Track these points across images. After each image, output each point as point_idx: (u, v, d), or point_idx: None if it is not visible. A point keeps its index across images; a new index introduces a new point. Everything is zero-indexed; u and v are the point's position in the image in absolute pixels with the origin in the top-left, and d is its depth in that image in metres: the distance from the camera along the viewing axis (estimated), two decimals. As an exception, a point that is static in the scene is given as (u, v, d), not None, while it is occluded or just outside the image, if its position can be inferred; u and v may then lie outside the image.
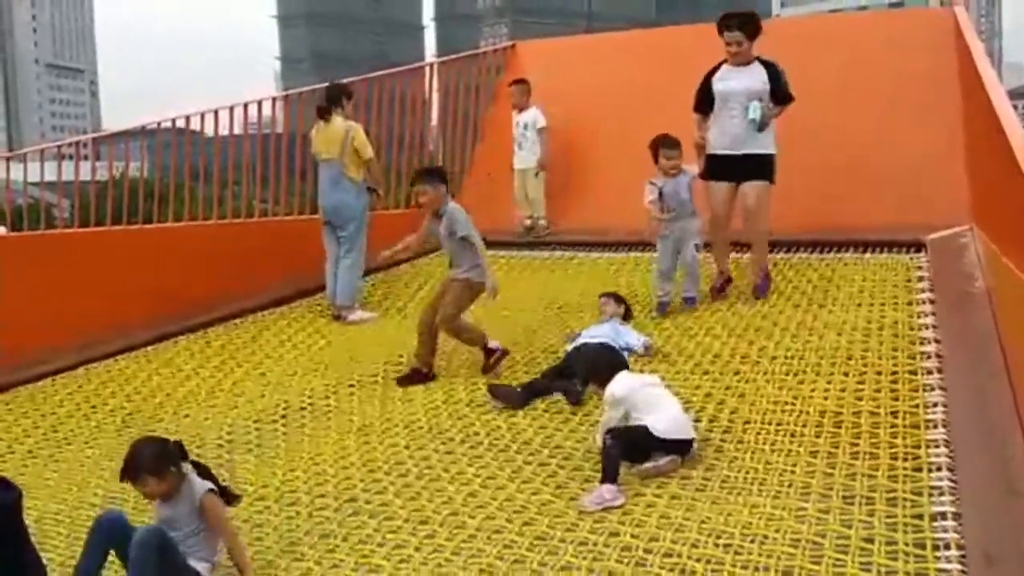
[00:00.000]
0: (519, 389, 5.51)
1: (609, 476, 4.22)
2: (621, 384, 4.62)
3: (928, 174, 8.04)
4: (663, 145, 6.73)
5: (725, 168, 6.76)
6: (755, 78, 6.67)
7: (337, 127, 7.85)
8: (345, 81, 9.03)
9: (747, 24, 6.66)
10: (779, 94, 6.70)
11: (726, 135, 6.75)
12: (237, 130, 8.93)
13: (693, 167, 6.84)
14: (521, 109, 9.30)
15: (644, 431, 4.39)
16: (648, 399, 4.54)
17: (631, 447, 4.37)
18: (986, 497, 3.71)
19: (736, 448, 4.59)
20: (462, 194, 10.24)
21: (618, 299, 6.57)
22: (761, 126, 6.61)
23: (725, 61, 6.80)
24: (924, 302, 6.31)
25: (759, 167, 6.71)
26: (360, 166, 7.89)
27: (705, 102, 6.87)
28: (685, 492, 4.18)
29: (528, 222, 9.41)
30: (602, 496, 4.15)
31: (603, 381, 4.70)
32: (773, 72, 6.68)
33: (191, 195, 8.40)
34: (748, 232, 6.93)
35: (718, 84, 6.79)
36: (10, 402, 6.45)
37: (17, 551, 2.91)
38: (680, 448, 4.45)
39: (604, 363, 4.87)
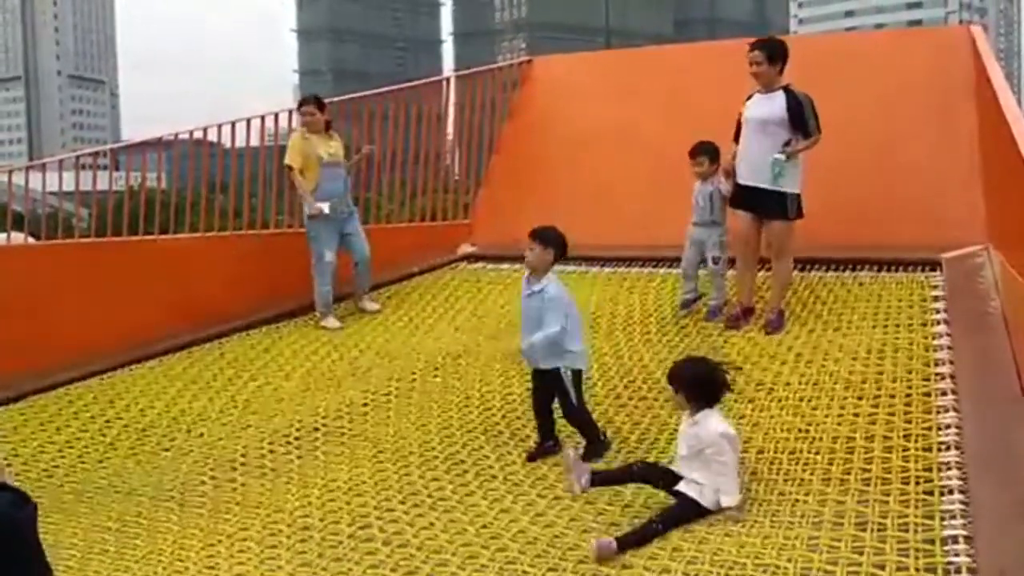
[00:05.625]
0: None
1: (631, 542, 4.03)
2: (730, 428, 4.39)
3: (944, 192, 8.00)
4: (690, 152, 6.97)
5: (745, 198, 6.72)
6: (774, 107, 6.56)
7: None
8: (360, 95, 9.16)
9: (767, 46, 6.62)
10: (799, 125, 6.51)
11: (745, 164, 6.69)
12: (254, 142, 8.99)
13: (727, 183, 6.84)
14: None
15: (698, 509, 4.20)
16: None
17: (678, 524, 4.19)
18: (999, 519, 3.68)
19: (749, 478, 4.57)
20: (475, 207, 10.32)
21: None
22: (787, 160, 6.48)
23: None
24: (939, 322, 6.27)
25: (776, 205, 6.60)
26: (308, 175, 7.95)
27: (738, 129, 6.83)
28: (697, 524, 4.15)
29: None
30: (599, 550, 3.96)
31: (702, 400, 4.37)
32: (793, 102, 6.51)
33: (208, 206, 8.46)
34: (773, 267, 6.90)
35: (745, 112, 6.73)
36: (25, 411, 6.49)
37: (32, 567, 2.89)
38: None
39: (706, 378, 4.41)
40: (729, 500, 4.20)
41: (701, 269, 7.11)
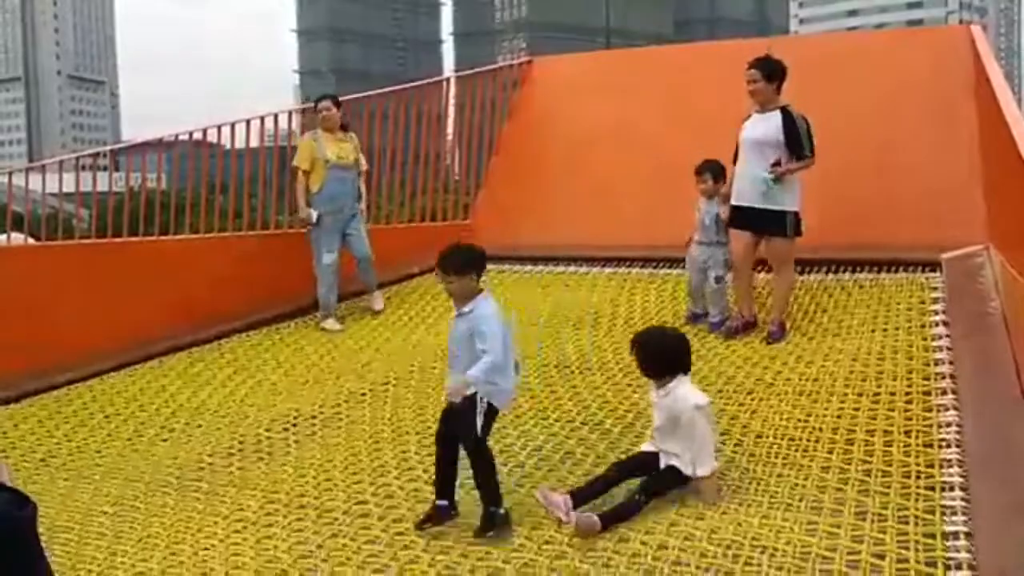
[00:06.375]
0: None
1: (608, 519, 3.99)
2: (702, 394, 4.35)
3: (944, 192, 8.00)
4: (696, 169, 6.93)
5: (743, 219, 6.69)
6: (769, 126, 6.52)
7: None
8: (361, 95, 9.15)
9: (764, 65, 6.58)
10: (793, 146, 6.48)
11: (742, 186, 6.66)
12: (254, 142, 9.01)
13: (724, 207, 6.82)
14: None
15: (678, 476, 4.18)
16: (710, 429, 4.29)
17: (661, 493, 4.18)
18: (999, 519, 3.67)
19: (748, 460, 4.59)
20: (475, 208, 10.33)
21: None
22: (774, 183, 6.45)
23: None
24: (939, 323, 6.27)
25: (776, 223, 6.56)
26: (315, 177, 7.96)
27: (737, 151, 6.80)
28: (695, 501, 4.17)
29: None
30: (582, 527, 3.94)
31: (664, 372, 4.31)
32: (788, 122, 6.47)
33: (208, 207, 8.46)
34: (774, 280, 6.90)
35: (741, 132, 6.70)
36: (25, 410, 6.49)
37: (32, 567, 2.89)
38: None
39: (670, 349, 4.38)
40: (703, 470, 4.17)
41: (706, 287, 7.02)
